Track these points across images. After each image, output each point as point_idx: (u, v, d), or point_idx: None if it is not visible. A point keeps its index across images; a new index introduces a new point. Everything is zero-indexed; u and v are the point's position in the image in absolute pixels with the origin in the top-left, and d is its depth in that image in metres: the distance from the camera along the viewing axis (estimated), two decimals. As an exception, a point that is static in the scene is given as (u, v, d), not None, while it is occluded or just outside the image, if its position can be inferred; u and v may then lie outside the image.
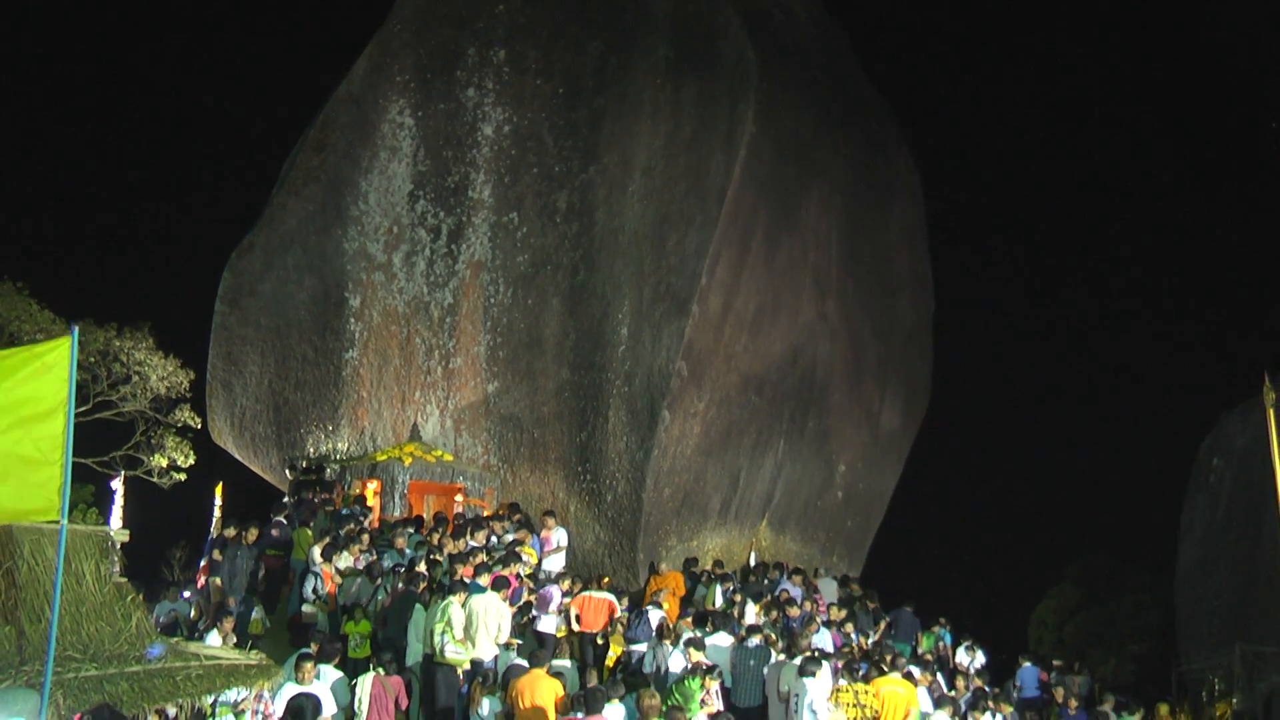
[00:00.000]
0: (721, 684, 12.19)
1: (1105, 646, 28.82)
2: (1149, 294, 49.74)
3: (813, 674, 11.04)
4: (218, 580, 14.52)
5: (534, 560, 15.24)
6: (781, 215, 19.54)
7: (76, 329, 6.25)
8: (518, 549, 14.86)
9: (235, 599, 13.74)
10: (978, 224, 49.21)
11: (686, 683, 11.06)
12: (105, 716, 6.11)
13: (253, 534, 14.70)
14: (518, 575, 13.87)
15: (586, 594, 14.10)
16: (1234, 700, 19.25)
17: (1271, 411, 10.81)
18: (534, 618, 13.72)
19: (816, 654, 11.86)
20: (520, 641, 12.56)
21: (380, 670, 10.33)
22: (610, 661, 14.04)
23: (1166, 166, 52.99)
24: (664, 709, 9.94)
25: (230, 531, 15.42)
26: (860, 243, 22.39)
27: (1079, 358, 49.64)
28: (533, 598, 13.94)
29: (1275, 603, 17.66)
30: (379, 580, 13.40)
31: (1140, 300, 49.15)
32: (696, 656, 11.46)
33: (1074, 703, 15.99)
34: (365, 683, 10.04)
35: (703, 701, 10.63)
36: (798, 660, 11.60)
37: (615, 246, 18.69)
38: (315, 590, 13.47)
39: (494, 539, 15.24)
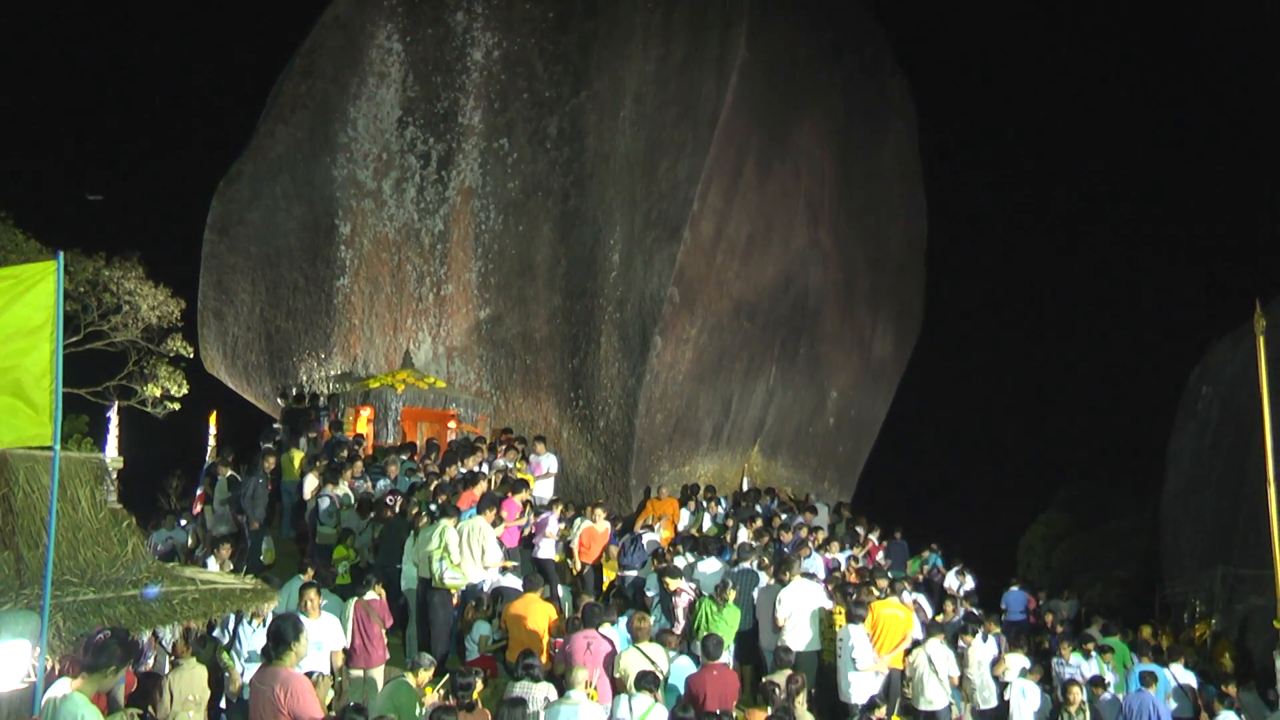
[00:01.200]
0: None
1: (1092, 571, 29.18)
2: (1143, 222, 49.63)
3: (860, 619, 11.17)
4: (212, 509, 14.62)
5: (531, 484, 15.36)
6: (774, 141, 19.38)
7: (61, 254, 6.19)
8: (516, 475, 14.99)
9: (258, 523, 13.83)
10: (972, 152, 48.76)
11: (725, 612, 11.20)
12: (121, 638, 6.17)
13: (270, 462, 14.69)
14: (526, 502, 14.00)
15: (589, 526, 14.26)
16: (1213, 621, 19.61)
17: (1261, 339, 10.85)
18: (534, 545, 13.89)
19: (944, 624, 12.01)
20: (515, 564, 12.65)
21: (362, 595, 10.38)
22: (605, 587, 14.26)
23: (1159, 93, 52.55)
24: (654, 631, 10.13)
25: (228, 458, 15.52)
26: (853, 169, 22.24)
27: (1071, 285, 49.56)
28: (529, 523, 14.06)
29: (1257, 527, 17.89)
30: (372, 506, 13.51)
31: (1133, 229, 49.01)
32: (675, 584, 11.58)
33: (1060, 629, 16.26)
34: (348, 608, 10.14)
35: (662, 637, 10.75)
36: (795, 584, 11.73)
37: (606, 172, 18.55)
38: (330, 513, 13.58)
39: (485, 465, 15.32)
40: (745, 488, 19.72)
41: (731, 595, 11.37)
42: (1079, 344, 46.55)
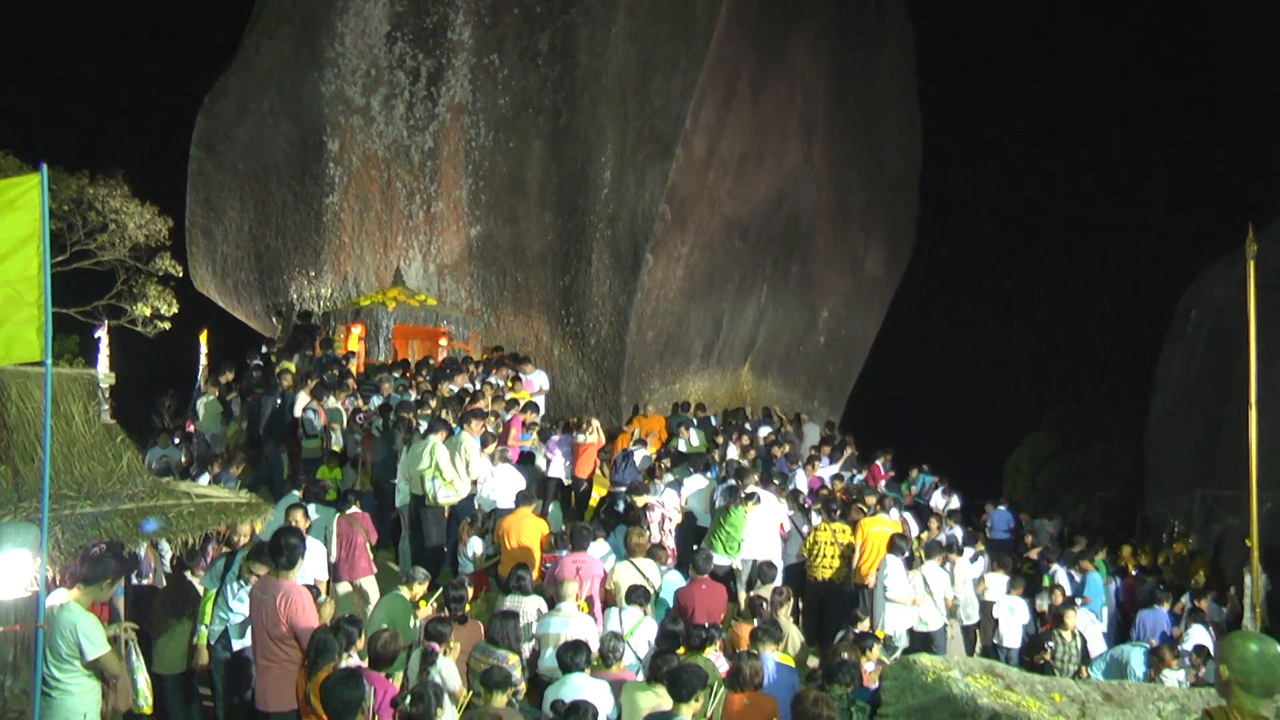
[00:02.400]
0: (691, 523, 12.62)
1: (1076, 491, 29.66)
2: (1139, 147, 49.31)
3: (900, 552, 11.27)
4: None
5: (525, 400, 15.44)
6: (768, 59, 19.14)
7: (44, 166, 6.09)
8: (508, 393, 15.10)
9: (269, 444, 13.89)
10: (968, 72, 48.19)
11: (733, 512, 11.38)
12: (116, 551, 6.30)
13: (288, 380, 14.67)
14: (525, 424, 14.16)
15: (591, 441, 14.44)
16: (1190, 540, 20.03)
17: (1251, 264, 10.85)
18: (546, 463, 14.12)
19: (932, 543, 12.07)
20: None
21: (344, 510, 10.44)
22: (594, 503, 14.43)
23: (1160, 18, 51.75)
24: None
25: (227, 376, 15.57)
26: (849, 89, 22.01)
27: (1065, 209, 49.45)
28: (534, 441, 14.24)
29: (1236, 450, 18.18)
30: (363, 423, 13.58)
31: (1130, 154, 48.72)
32: (642, 501, 11.74)
33: (1045, 547, 16.54)
34: (331, 522, 10.25)
35: (661, 544, 10.92)
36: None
37: (598, 89, 18.31)
38: (314, 427, 13.65)
39: (477, 382, 15.40)
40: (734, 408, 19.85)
41: (747, 506, 11.52)
42: (1071, 268, 46.65)
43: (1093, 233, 48.33)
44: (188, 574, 8.81)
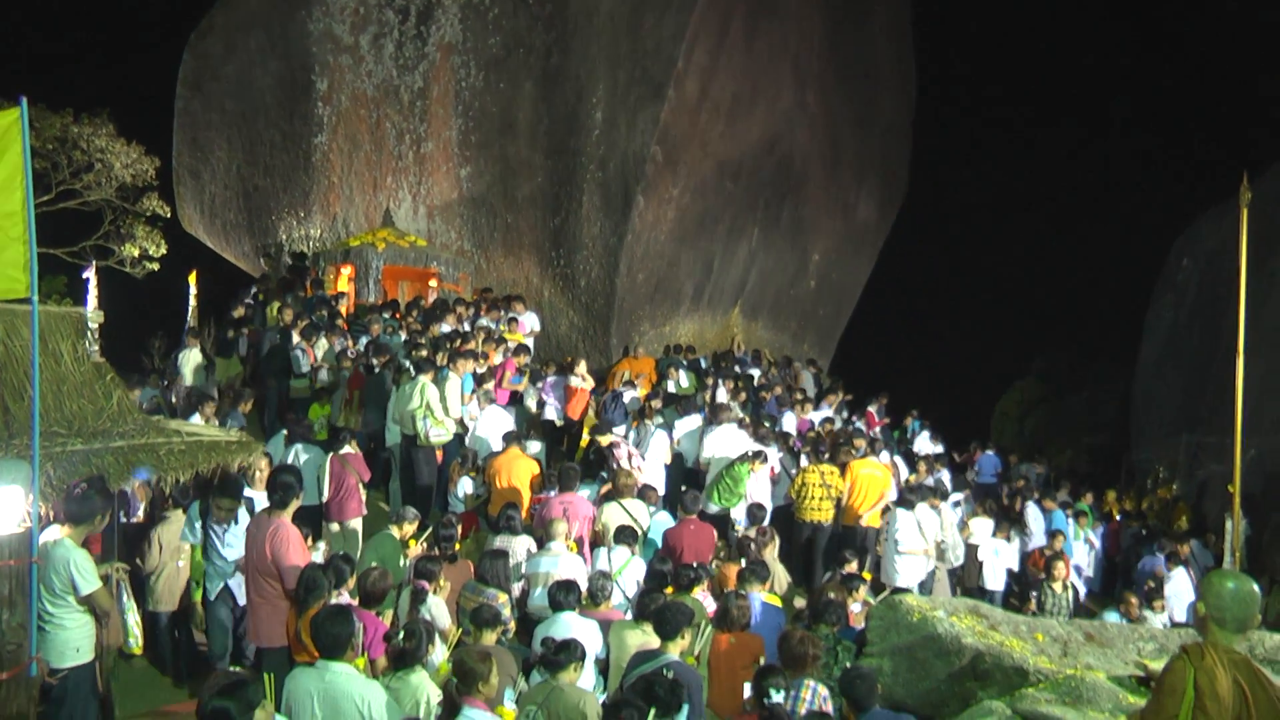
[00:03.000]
0: (681, 464, 12.71)
1: (1063, 437, 29.84)
2: (1134, 95, 48.96)
3: (910, 505, 11.38)
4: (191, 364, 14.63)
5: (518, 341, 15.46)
6: (762, 1, 18.89)
7: (24, 99, 6.00)
8: (505, 336, 15.13)
9: (270, 380, 13.89)
10: (962, 18, 47.58)
11: (736, 467, 11.47)
12: (99, 487, 6.33)
13: (288, 315, 14.62)
14: (519, 368, 14.21)
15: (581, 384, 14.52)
16: (1174, 486, 20.24)
17: (1244, 211, 10.83)
18: (541, 406, 14.18)
19: (919, 487, 12.20)
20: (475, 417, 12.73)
21: (338, 450, 10.45)
22: (584, 444, 14.49)
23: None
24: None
25: (238, 312, 15.53)
26: (843, 33, 21.78)
27: (1058, 156, 49.12)
28: (525, 384, 14.29)
29: (1223, 397, 18.29)
30: (353, 359, 13.59)
31: (1124, 101, 48.37)
32: (606, 440, 11.86)
33: (1033, 491, 16.68)
34: (324, 461, 10.28)
35: (644, 492, 11.00)
36: (722, 429, 12.03)
37: (590, 29, 18.08)
38: (303, 366, 13.66)
39: (466, 325, 15.39)
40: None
41: (754, 465, 11.61)
42: (1063, 215, 46.48)
43: (1085, 180, 48.12)
44: (179, 512, 8.80)
